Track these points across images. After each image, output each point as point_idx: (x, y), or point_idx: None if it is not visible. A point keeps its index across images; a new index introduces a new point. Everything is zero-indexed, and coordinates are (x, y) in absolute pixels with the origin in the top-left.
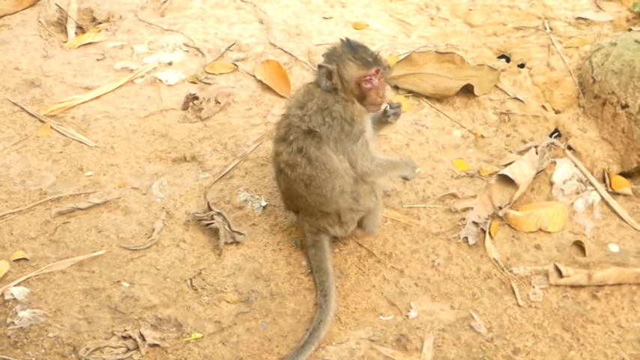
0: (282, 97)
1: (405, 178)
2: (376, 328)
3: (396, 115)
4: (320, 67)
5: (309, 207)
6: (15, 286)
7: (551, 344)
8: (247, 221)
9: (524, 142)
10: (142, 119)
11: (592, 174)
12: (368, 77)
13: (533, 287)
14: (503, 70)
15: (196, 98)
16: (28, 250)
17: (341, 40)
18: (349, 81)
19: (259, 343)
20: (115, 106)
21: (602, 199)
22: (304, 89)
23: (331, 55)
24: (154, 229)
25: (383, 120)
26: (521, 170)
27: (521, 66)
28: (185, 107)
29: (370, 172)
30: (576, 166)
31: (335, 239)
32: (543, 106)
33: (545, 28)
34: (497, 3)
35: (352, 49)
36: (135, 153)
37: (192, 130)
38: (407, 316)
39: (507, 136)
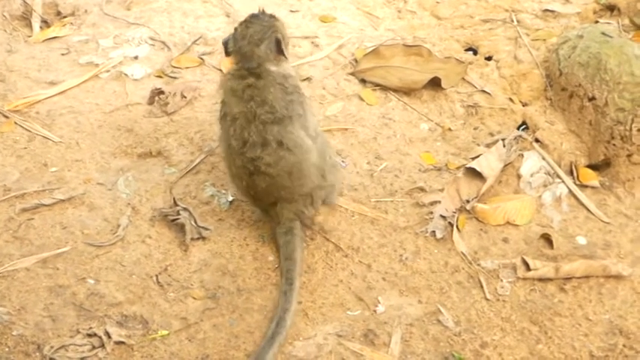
0: None
1: None
2: (344, 323)
3: None
4: (277, 40)
5: (290, 194)
6: None
7: (519, 338)
8: (214, 216)
9: (492, 134)
10: (108, 114)
11: (559, 166)
12: None
13: (501, 281)
14: (470, 63)
15: (162, 92)
16: None
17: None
18: (287, 37)
19: (226, 339)
20: (80, 101)
21: (570, 191)
22: (245, 86)
23: (262, 29)
24: (119, 225)
25: None
26: (489, 163)
27: (489, 59)
28: (151, 102)
29: (319, 129)
30: (544, 158)
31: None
32: (511, 99)
33: (513, 21)
34: None
35: (262, 14)
36: (100, 148)
37: (158, 125)
38: (374, 311)
39: (475, 129)
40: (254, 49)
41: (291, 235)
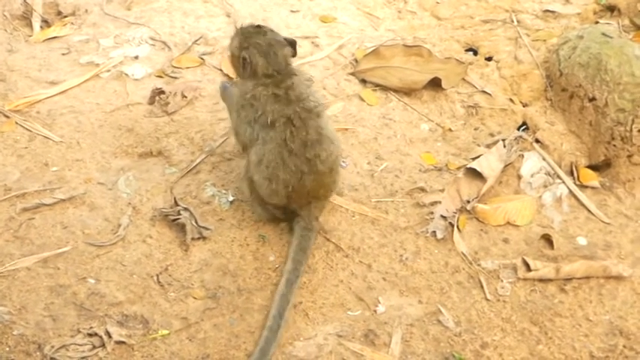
0: None
1: None
2: (344, 324)
3: None
4: (293, 41)
5: (326, 190)
6: None
7: (519, 338)
8: (214, 216)
9: (492, 135)
10: (108, 114)
11: (560, 167)
12: None
13: (502, 281)
14: (470, 64)
15: (163, 92)
16: None
17: (260, 26)
18: None
19: (226, 339)
20: (80, 100)
21: (570, 192)
22: (286, 89)
23: (275, 34)
24: (120, 225)
25: None
26: (489, 164)
27: (489, 59)
28: (151, 101)
29: None
30: (544, 159)
31: None
32: (511, 100)
33: (513, 21)
34: None
35: (249, 25)
36: (101, 148)
37: (159, 125)
38: (375, 311)
39: (475, 129)
40: (283, 52)
41: (311, 232)
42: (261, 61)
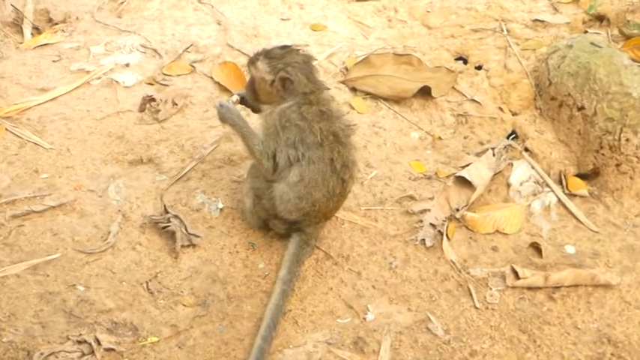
0: None
1: None
2: (333, 331)
3: None
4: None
5: (336, 211)
6: None
7: (508, 346)
8: (204, 224)
9: (482, 143)
10: (99, 121)
11: (549, 175)
12: None
13: (490, 289)
14: (460, 72)
15: (153, 100)
16: None
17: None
18: None
19: (216, 346)
20: (71, 107)
21: (559, 200)
22: (328, 105)
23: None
24: (109, 232)
25: None
26: (479, 172)
27: (479, 68)
28: (142, 109)
29: None
30: (533, 167)
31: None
32: (500, 108)
33: (502, 30)
34: (455, 5)
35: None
36: (91, 155)
37: (149, 132)
38: (364, 319)
39: (465, 137)
40: (315, 67)
41: (309, 247)
42: (303, 79)
